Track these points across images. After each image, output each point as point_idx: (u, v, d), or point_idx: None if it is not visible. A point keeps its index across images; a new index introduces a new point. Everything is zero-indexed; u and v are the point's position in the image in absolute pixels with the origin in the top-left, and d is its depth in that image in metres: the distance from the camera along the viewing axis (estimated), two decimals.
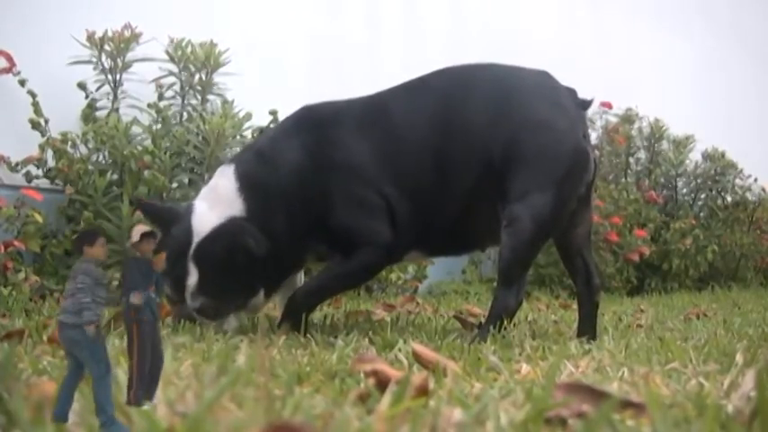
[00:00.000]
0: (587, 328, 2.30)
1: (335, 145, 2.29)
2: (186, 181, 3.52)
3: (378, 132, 2.29)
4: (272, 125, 3.60)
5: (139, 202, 2.74)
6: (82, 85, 3.52)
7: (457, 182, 2.25)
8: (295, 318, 2.21)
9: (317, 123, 2.33)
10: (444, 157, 2.25)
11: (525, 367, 1.55)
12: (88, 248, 0.98)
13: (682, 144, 5.84)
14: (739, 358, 1.56)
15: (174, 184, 3.46)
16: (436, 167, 2.25)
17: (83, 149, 3.43)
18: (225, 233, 2.16)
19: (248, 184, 2.24)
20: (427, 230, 2.29)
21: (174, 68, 3.66)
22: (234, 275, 2.16)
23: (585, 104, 2.37)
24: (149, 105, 3.59)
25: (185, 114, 3.67)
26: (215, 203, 2.22)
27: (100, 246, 0.99)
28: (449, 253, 2.57)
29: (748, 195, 6.08)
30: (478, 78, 2.35)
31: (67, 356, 1.00)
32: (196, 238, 2.17)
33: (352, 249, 2.25)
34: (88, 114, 3.53)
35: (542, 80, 2.34)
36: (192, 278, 2.15)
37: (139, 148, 3.40)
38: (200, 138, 3.47)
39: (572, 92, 2.34)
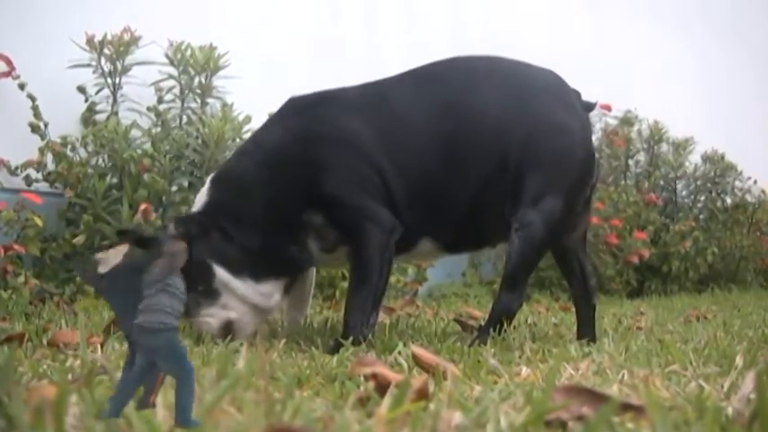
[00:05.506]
0: (586, 331, 2.30)
1: (323, 119, 2.20)
2: (186, 184, 3.52)
3: (372, 113, 2.20)
4: None
5: (121, 233, 2.69)
6: (81, 89, 3.53)
7: (469, 174, 2.18)
8: (358, 334, 2.00)
9: (302, 107, 2.26)
10: (453, 147, 2.17)
11: (525, 370, 1.55)
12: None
13: (681, 146, 5.85)
14: (739, 360, 1.56)
15: (174, 188, 3.46)
16: (444, 156, 2.17)
17: (82, 153, 3.43)
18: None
19: (218, 179, 2.20)
20: (438, 219, 2.21)
21: (174, 72, 3.66)
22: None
23: (590, 107, 2.35)
24: (149, 109, 3.59)
25: (185, 117, 3.68)
26: None
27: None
28: (461, 248, 2.46)
29: (748, 197, 6.09)
30: (489, 71, 2.29)
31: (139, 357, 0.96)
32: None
33: (353, 224, 2.12)
34: (88, 118, 3.54)
35: (553, 80, 2.31)
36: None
37: (139, 151, 3.41)
38: (200, 141, 3.47)
39: (578, 94, 2.32)
